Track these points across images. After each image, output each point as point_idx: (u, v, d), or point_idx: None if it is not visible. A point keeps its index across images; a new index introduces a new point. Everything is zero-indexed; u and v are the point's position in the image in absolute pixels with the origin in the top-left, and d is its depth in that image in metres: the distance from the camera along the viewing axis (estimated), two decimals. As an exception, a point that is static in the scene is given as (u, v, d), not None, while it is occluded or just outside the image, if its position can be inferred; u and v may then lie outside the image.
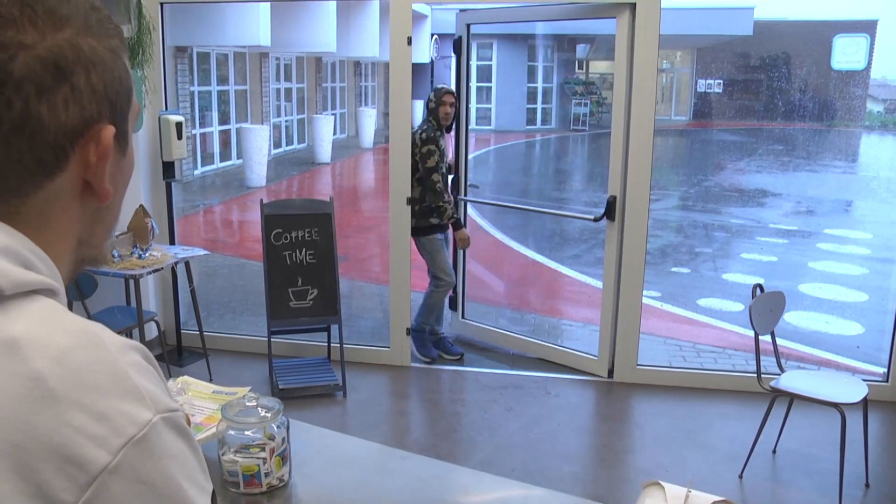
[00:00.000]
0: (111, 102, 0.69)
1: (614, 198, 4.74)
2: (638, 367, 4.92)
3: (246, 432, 1.79)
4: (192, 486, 0.63)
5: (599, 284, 5.14)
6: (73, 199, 0.70)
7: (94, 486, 0.57)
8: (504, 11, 5.51)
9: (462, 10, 5.53)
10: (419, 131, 5.05)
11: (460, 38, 5.46)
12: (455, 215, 5.10)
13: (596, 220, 4.89)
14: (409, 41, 4.70)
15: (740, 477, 3.81)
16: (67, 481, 0.57)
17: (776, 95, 21.41)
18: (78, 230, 0.72)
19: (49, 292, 0.66)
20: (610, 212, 4.76)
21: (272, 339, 4.82)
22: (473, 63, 23.64)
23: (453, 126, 5.25)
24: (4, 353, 0.59)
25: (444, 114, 5.05)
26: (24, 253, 0.65)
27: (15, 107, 0.63)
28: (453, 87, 5.41)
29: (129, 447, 0.59)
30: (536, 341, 5.42)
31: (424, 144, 4.98)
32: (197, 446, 0.67)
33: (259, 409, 1.82)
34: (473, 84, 23.45)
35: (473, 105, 24.25)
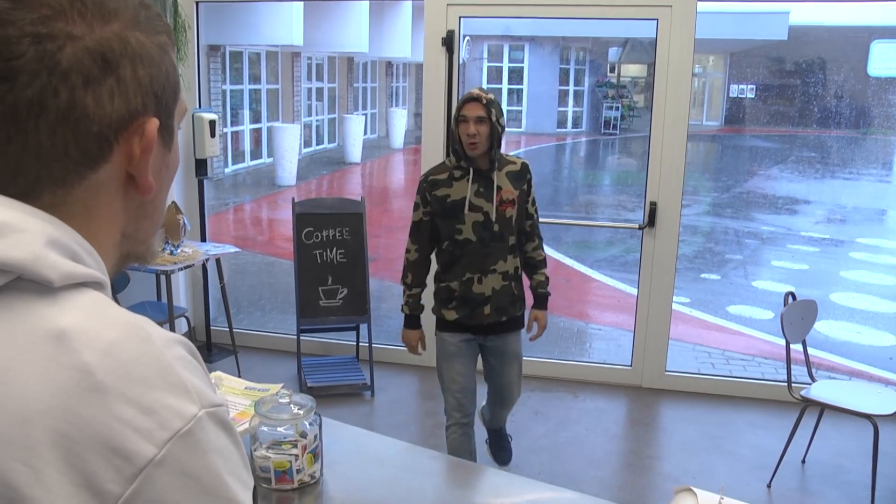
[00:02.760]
0: (156, 96, 0.70)
1: (655, 204, 4.70)
2: (667, 372, 4.89)
3: (278, 429, 1.80)
4: (235, 481, 0.64)
5: (624, 287, 5.10)
6: (117, 191, 0.70)
7: (140, 478, 0.58)
8: (496, 5, 4.92)
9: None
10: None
11: (451, 32, 4.77)
12: (411, 309, 3.32)
13: (641, 228, 4.77)
14: (444, 42, 4.70)
15: (769, 486, 3.78)
16: (114, 473, 0.57)
17: (810, 101, 21.18)
18: (122, 224, 0.73)
19: (96, 285, 0.67)
20: (651, 218, 4.73)
21: (301, 338, 4.85)
22: (505, 65, 23.67)
23: (494, 157, 3.12)
24: (53, 345, 0.60)
25: (466, 135, 3.04)
26: (73, 245, 0.66)
27: (61, 96, 0.63)
28: (451, 91, 4.62)
29: (175, 441, 0.60)
30: (566, 362, 5.16)
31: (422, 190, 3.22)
32: (240, 441, 0.67)
33: (292, 405, 1.83)
34: (504, 86, 23.42)
35: (505, 107, 24.24)
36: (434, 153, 4.82)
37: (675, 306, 4.88)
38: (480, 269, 3.17)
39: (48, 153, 0.65)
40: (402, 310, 3.33)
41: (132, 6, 0.69)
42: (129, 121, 0.68)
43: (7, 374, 0.58)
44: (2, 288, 0.62)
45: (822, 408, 3.74)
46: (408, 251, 3.27)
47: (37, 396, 0.58)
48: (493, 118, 3.03)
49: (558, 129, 24.36)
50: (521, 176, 3.22)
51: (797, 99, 21.45)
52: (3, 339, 0.60)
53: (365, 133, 18.91)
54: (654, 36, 4.56)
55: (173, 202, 4.72)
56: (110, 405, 0.58)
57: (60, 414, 0.58)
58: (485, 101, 3.03)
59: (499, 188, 3.13)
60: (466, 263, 3.17)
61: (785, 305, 3.73)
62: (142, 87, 0.68)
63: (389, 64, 23.19)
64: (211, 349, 5.24)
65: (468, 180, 3.12)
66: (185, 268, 4.52)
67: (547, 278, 3.38)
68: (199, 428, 0.61)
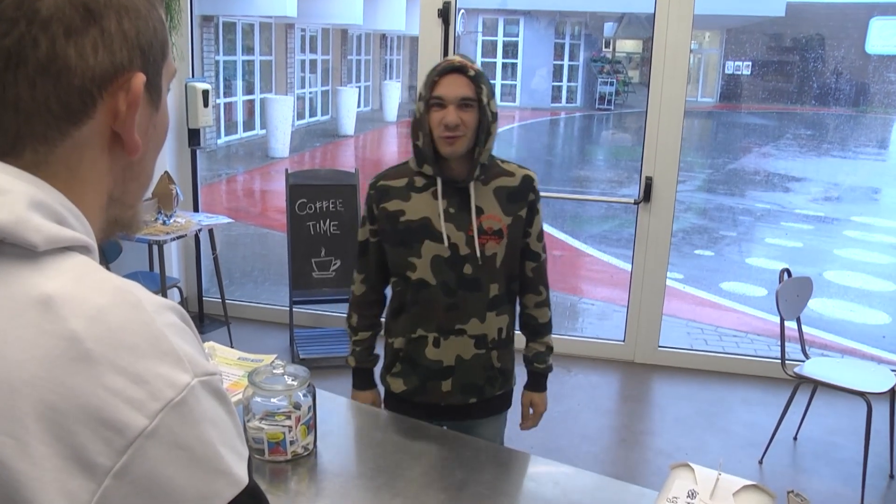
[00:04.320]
0: (143, 51, 0.67)
1: (650, 179, 4.67)
2: (659, 348, 4.89)
3: (272, 400, 1.78)
4: (229, 452, 0.61)
5: (618, 262, 5.08)
6: (102, 151, 0.68)
7: (131, 450, 0.56)
8: None
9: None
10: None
11: (447, 4, 4.60)
12: (358, 361, 2.33)
13: (636, 202, 4.74)
14: (440, 14, 4.64)
15: (760, 463, 3.79)
16: (104, 445, 0.55)
17: (807, 79, 21.12)
18: (109, 186, 0.70)
19: (83, 249, 0.64)
20: (647, 193, 4.70)
21: (294, 309, 4.83)
22: (500, 39, 23.53)
23: (478, 161, 2.12)
24: (39, 311, 0.57)
25: (443, 126, 2.05)
26: (57, 207, 0.63)
27: (41, 46, 0.60)
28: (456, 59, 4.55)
29: (167, 411, 0.57)
30: (559, 337, 5.03)
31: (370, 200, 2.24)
32: (234, 411, 0.65)
33: (286, 377, 1.81)
34: (499, 60, 23.29)
35: (498, 81, 24.13)
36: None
37: (668, 282, 4.87)
38: (438, 326, 2.16)
39: (28, 107, 0.62)
40: (348, 362, 2.33)
41: None
42: (113, 75, 0.65)
43: None
44: None
45: (816, 385, 3.74)
46: (353, 282, 2.31)
47: (22, 366, 0.55)
48: (485, 99, 2.05)
49: (553, 104, 24.28)
50: (520, 195, 2.18)
51: (794, 76, 21.38)
52: None
53: (358, 106, 18.80)
54: (652, 11, 4.52)
55: (166, 172, 4.67)
56: (99, 374, 0.56)
57: (47, 384, 0.55)
58: (472, 73, 2.04)
59: (479, 211, 2.12)
60: (419, 315, 2.18)
61: (780, 282, 3.72)
62: (128, 41, 0.65)
63: (384, 36, 23.02)
64: (203, 320, 5.22)
65: (435, 194, 2.12)
66: (178, 238, 4.49)
67: (549, 348, 2.38)
68: (191, 397, 0.59)
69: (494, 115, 2.09)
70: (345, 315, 2.33)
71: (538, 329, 2.35)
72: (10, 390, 0.55)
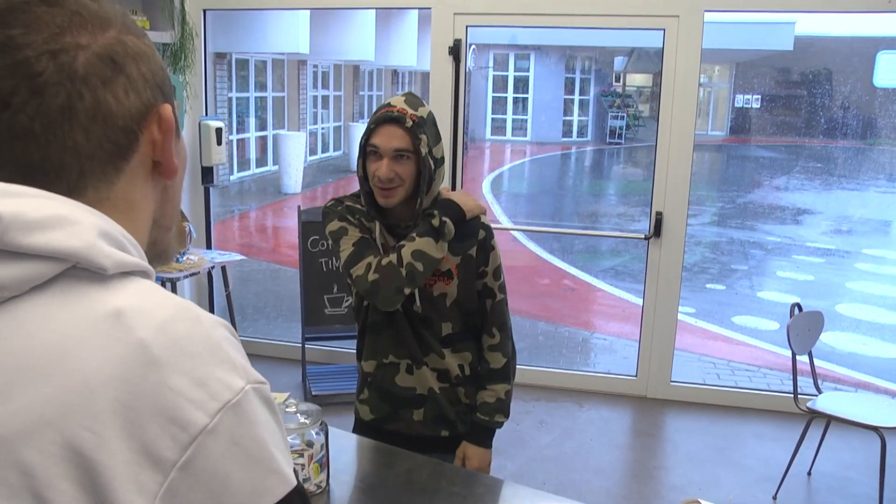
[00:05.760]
0: (160, 88, 0.77)
1: (661, 214, 4.70)
2: (672, 383, 4.87)
3: (284, 438, 1.79)
4: (280, 454, 0.68)
5: (629, 297, 5.08)
6: (147, 180, 0.78)
7: (194, 445, 0.62)
8: (503, 14, 4.83)
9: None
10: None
11: (458, 41, 4.73)
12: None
13: (647, 238, 4.76)
14: (451, 51, 4.71)
15: (774, 498, 3.76)
16: (171, 440, 0.62)
17: (816, 112, 21.16)
18: (153, 210, 0.80)
19: (143, 273, 0.73)
20: (657, 228, 4.72)
21: (306, 346, 4.85)
22: (511, 74, 23.70)
23: (422, 207, 2.06)
24: (111, 322, 0.64)
25: (376, 177, 1.99)
26: (119, 237, 0.71)
27: (86, 98, 0.70)
28: (458, 100, 4.24)
29: (225, 411, 0.64)
30: (570, 372, 5.15)
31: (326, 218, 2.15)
32: (282, 421, 0.71)
33: (298, 414, 1.83)
34: (510, 95, 23.43)
35: (510, 116, 24.28)
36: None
37: (680, 316, 4.87)
38: (411, 353, 2.12)
39: (85, 150, 0.72)
40: (445, 237, 2.05)
41: (120, 14, 0.76)
42: (145, 112, 0.75)
43: (69, 351, 0.63)
44: (59, 275, 0.66)
45: (829, 419, 3.72)
46: (367, 269, 2.00)
47: (98, 369, 0.62)
48: (424, 150, 1.95)
49: (563, 139, 24.38)
50: (468, 233, 2.11)
51: (803, 109, 21.43)
52: (64, 319, 0.65)
53: (370, 141, 18.87)
54: (661, 46, 4.57)
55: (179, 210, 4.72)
56: (166, 377, 0.63)
57: (120, 385, 0.62)
58: (409, 124, 1.94)
59: None
60: (391, 340, 2.12)
61: (791, 316, 3.72)
62: (148, 82, 0.76)
63: (395, 72, 23.23)
64: (216, 357, 5.23)
65: (380, 227, 2.09)
66: (191, 275, 4.52)
67: (500, 401, 2.17)
68: (246, 400, 0.66)
69: (439, 161, 2.03)
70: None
71: (489, 375, 2.19)
72: (88, 390, 0.61)
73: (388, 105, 1.98)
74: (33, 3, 0.70)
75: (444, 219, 2.02)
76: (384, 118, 1.95)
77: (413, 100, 2.01)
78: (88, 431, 0.60)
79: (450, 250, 2.07)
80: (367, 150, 1.99)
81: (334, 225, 2.08)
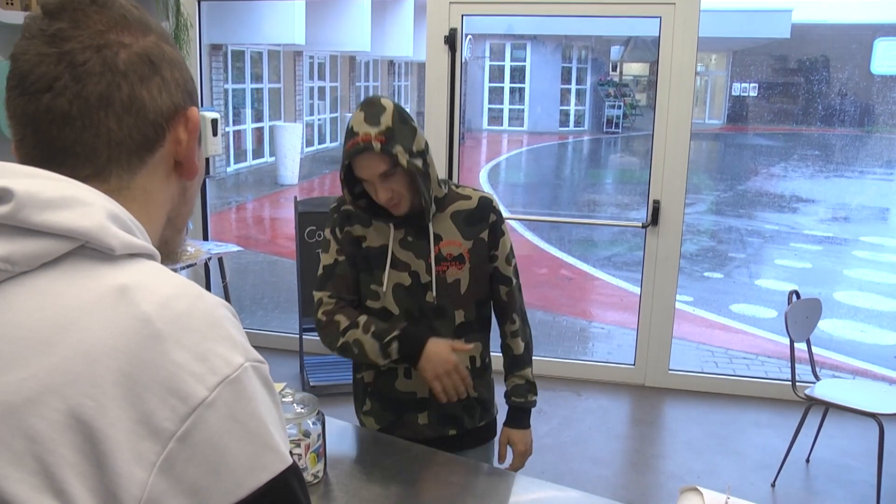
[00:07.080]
0: (190, 94, 0.84)
1: (658, 202, 4.69)
2: (670, 371, 4.88)
3: (281, 428, 1.79)
4: (278, 431, 0.70)
5: (627, 286, 5.08)
6: (167, 177, 0.83)
7: (193, 417, 0.64)
8: (499, 3, 4.85)
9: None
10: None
11: (454, 30, 4.68)
12: (387, 333, 2.04)
13: (644, 226, 4.76)
14: (447, 40, 4.69)
15: (773, 486, 3.77)
16: (170, 412, 0.64)
17: (813, 100, 21.16)
18: (168, 207, 0.85)
19: (149, 256, 0.76)
20: (654, 217, 4.71)
21: (304, 336, 4.84)
22: (507, 64, 23.66)
23: (430, 200, 2.06)
24: (116, 297, 0.67)
25: (376, 196, 2.01)
26: (127, 222, 0.75)
27: (123, 90, 0.77)
28: (454, 90, 4.34)
29: (224, 385, 0.66)
30: (569, 361, 5.14)
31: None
32: (279, 402, 0.73)
33: (295, 405, 1.83)
34: (507, 84, 23.39)
35: (506, 106, 24.23)
36: (437, 153, 4.81)
37: (678, 305, 4.87)
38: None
39: (116, 137, 0.77)
40: (386, 355, 2.00)
41: (158, 25, 0.83)
42: (174, 112, 0.81)
43: (75, 323, 0.66)
44: (68, 253, 0.70)
45: (827, 407, 3.72)
46: (319, 305, 2.09)
47: (102, 341, 0.65)
48: (404, 160, 1.92)
49: (560, 128, 24.35)
50: (478, 217, 2.11)
51: (800, 97, 21.42)
52: (71, 294, 0.68)
53: (367, 132, 18.87)
54: (657, 34, 4.55)
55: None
56: (167, 350, 0.65)
57: (123, 356, 0.64)
58: (379, 149, 1.90)
59: (437, 238, 2.07)
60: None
61: (789, 304, 3.72)
62: (179, 86, 0.82)
63: (391, 63, 23.19)
64: (213, 348, 5.23)
65: (390, 225, 2.08)
66: (188, 267, 4.52)
67: (530, 382, 2.23)
68: (245, 377, 0.68)
69: (424, 151, 1.99)
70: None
71: (514, 361, 2.23)
72: (92, 360, 0.64)
73: (353, 134, 1.94)
74: (84, 3, 0.77)
75: (394, 342, 1.98)
76: (356, 151, 1.92)
77: (371, 112, 1.95)
78: (91, 400, 0.63)
79: (462, 235, 2.08)
80: (353, 177, 2.02)
81: (326, 233, 2.13)
